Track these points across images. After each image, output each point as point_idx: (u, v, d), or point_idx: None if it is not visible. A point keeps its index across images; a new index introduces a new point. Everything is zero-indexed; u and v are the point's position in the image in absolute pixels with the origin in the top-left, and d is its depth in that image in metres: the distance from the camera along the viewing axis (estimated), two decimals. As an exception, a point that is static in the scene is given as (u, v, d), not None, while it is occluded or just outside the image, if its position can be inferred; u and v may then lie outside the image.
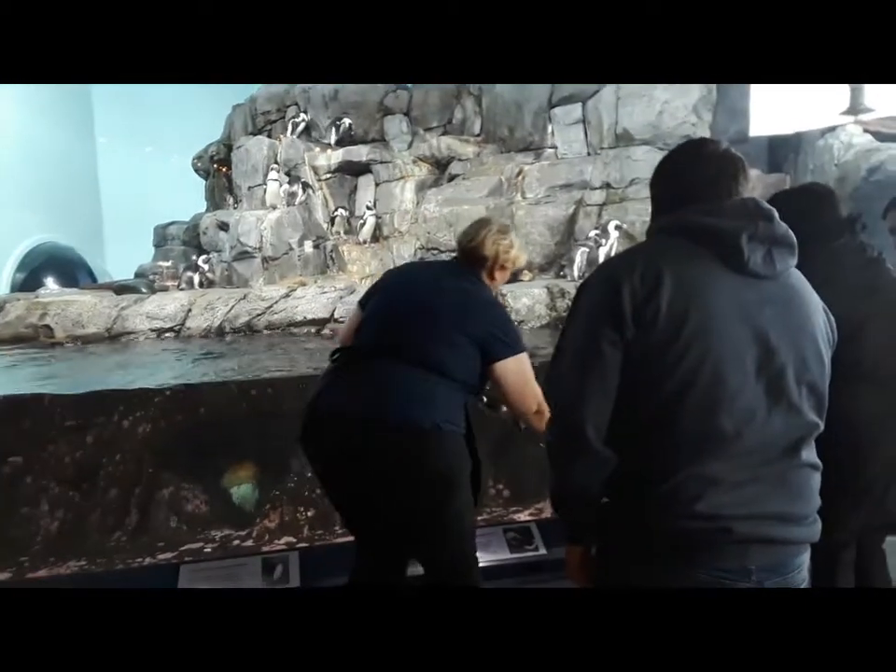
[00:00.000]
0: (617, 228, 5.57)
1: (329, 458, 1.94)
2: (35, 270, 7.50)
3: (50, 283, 6.96)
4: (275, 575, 2.93)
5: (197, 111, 9.00)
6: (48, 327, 4.81)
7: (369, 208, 7.16)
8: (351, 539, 3.68)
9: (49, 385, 3.72)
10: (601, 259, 5.52)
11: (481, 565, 2.50)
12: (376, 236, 7.10)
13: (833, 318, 1.28)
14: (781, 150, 7.18)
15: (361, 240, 6.92)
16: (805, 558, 1.21)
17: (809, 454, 1.20)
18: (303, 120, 7.97)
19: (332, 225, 7.21)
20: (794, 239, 1.22)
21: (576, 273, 5.60)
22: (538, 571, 2.85)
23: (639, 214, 6.05)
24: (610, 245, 5.50)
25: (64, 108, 8.44)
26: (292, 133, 7.94)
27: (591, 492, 1.21)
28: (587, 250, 5.58)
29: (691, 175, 1.28)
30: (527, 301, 4.87)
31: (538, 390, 1.96)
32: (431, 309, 2.00)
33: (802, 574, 1.20)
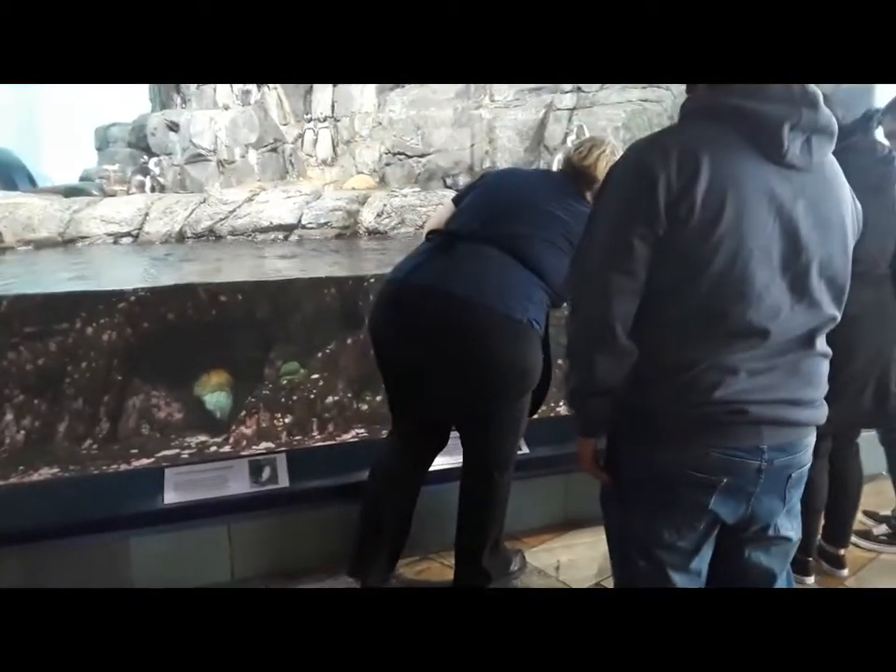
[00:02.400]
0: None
1: (409, 330, 1.94)
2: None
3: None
4: (263, 476, 2.93)
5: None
6: (-6, 230, 4.51)
7: (320, 120, 6.77)
8: (333, 442, 3.59)
9: (3, 288, 3.51)
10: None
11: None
12: (334, 149, 6.78)
13: (859, 207, 1.27)
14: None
15: (319, 159, 6.58)
16: (812, 440, 1.26)
17: (822, 343, 1.22)
18: None
19: (301, 144, 6.85)
20: (836, 127, 1.18)
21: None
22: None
23: (610, 119, 5.96)
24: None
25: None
26: None
27: (612, 386, 1.21)
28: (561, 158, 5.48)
29: None
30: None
31: None
32: (542, 210, 2.01)
33: (807, 455, 1.25)
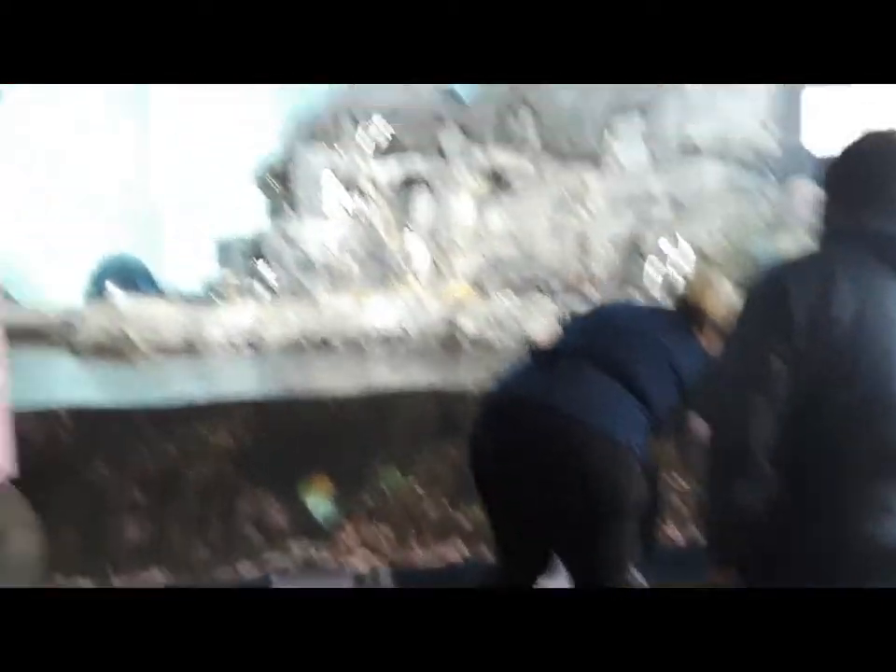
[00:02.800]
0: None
1: (506, 443, 1.95)
2: (101, 279, 7.63)
3: (117, 292, 7.08)
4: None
5: (254, 125, 9.09)
6: (127, 337, 4.88)
7: (417, 237, 7.02)
8: (438, 563, 3.53)
9: (129, 395, 3.76)
10: (678, 277, 5.43)
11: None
12: (434, 262, 7.00)
13: None
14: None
15: (413, 272, 6.82)
16: None
17: None
18: (383, 135, 7.98)
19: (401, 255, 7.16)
20: None
21: (650, 289, 5.51)
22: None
23: (710, 231, 5.95)
24: (686, 261, 5.41)
25: (121, 120, 8.59)
26: (373, 147, 7.96)
27: (752, 512, 1.16)
28: (661, 265, 5.49)
29: (876, 172, 1.20)
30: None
31: None
32: (651, 337, 2.03)
33: None
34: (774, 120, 6.34)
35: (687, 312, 2.16)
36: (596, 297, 5.78)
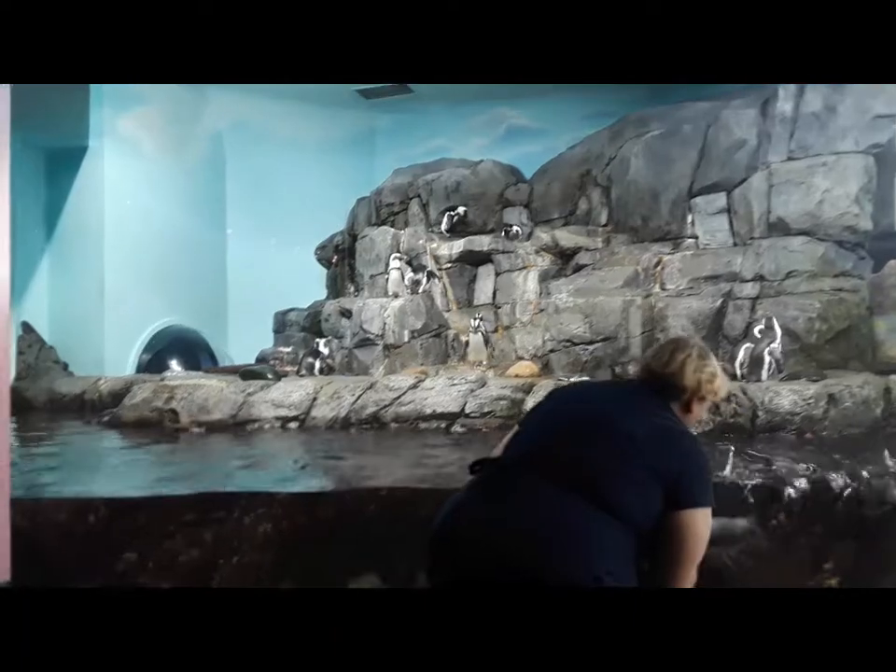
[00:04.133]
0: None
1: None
2: (160, 351, 7.61)
3: (174, 365, 7.00)
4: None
5: (320, 206, 9.26)
6: (173, 411, 4.67)
7: (475, 328, 6.72)
8: None
9: (168, 483, 3.50)
10: (766, 357, 4.93)
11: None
12: (489, 346, 6.69)
13: None
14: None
15: (470, 361, 6.50)
16: None
17: None
18: (458, 214, 7.97)
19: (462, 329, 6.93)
20: None
21: (738, 371, 5.01)
22: None
23: (801, 308, 5.45)
24: (777, 344, 4.92)
25: (200, 202, 8.84)
26: (447, 225, 7.95)
27: None
28: (752, 346, 5.01)
29: None
30: (685, 402, 4.30)
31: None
32: (619, 430, 1.67)
33: None
34: (867, 198, 5.90)
35: (656, 382, 1.80)
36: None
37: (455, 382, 4.87)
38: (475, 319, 6.74)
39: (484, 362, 6.44)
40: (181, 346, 7.73)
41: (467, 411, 4.59)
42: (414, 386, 4.83)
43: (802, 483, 3.06)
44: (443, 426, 4.55)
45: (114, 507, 3.30)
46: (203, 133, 8.79)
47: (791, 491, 3.02)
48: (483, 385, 4.83)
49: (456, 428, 4.52)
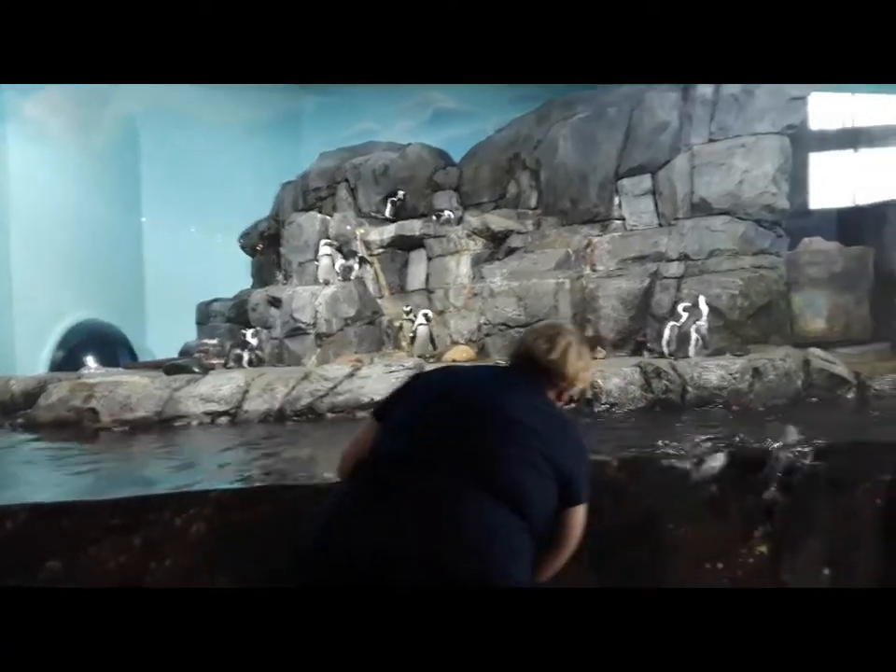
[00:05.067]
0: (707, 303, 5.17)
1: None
2: (74, 348, 7.19)
3: (91, 361, 6.62)
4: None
5: (244, 192, 8.93)
6: (93, 410, 4.40)
7: (424, 319, 6.44)
8: None
9: (88, 482, 3.29)
10: (692, 334, 5.06)
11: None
12: (432, 341, 6.53)
13: None
14: (858, 221, 6.81)
15: (416, 355, 6.27)
16: None
17: None
18: (399, 199, 7.82)
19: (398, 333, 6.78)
20: None
21: (665, 350, 5.13)
22: None
23: (724, 286, 5.64)
24: (703, 321, 5.06)
25: (112, 188, 8.38)
26: (391, 211, 7.78)
27: None
28: (677, 325, 5.13)
29: None
30: (619, 381, 4.38)
31: None
32: (511, 419, 1.53)
33: None
34: (783, 178, 6.14)
35: (537, 369, 1.72)
36: (604, 357, 5.40)
37: (393, 369, 4.79)
38: (421, 313, 6.52)
39: (429, 357, 6.33)
40: (97, 342, 7.33)
41: (404, 398, 4.52)
42: (350, 375, 4.72)
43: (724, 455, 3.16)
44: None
45: (34, 513, 3.08)
46: (115, 116, 8.31)
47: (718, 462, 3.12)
48: (418, 371, 4.77)
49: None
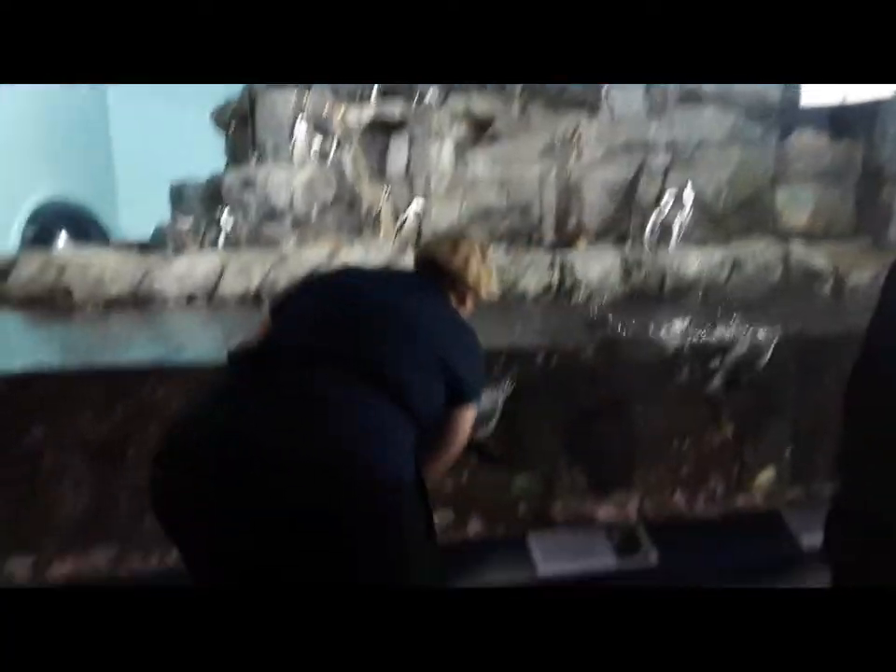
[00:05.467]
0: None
1: (214, 503, 1.30)
2: (45, 227, 6.97)
3: (63, 240, 6.44)
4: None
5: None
6: (66, 288, 4.31)
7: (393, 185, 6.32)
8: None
9: (66, 355, 3.28)
10: (675, 226, 5.03)
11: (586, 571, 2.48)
12: (411, 213, 6.40)
13: None
14: (848, 117, 6.67)
15: (389, 222, 6.12)
16: None
17: None
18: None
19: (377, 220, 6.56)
20: None
21: (648, 240, 5.11)
22: (647, 579, 2.54)
23: (710, 177, 5.55)
24: (686, 212, 5.02)
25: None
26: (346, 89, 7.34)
27: None
28: (662, 215, 5.09)
29: None
30: (599, 270, 4.38)
31: None
32: (403, 320, 1.53)
33: None
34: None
35: (435, 274, 1.73)
36: (587, 249, 5.38)
37: (372, 253, 4.73)
38: (392, 180, 6.38)
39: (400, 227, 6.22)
40: (68, 221, 7.10)
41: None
42: (330, 258, 4.66)
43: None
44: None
45: (11, 382, 3.09)
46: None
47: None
48: (395, 259, 4.72)
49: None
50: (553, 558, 2.61)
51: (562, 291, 4.35)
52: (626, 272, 4.43)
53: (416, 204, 6.28)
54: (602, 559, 2.63)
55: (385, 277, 1.74)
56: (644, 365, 3.61)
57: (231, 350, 1.49)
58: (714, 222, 5.47)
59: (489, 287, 1.82)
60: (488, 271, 1.80)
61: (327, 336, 1.47)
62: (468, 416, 1.63)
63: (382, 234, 6.48)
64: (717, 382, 3.52)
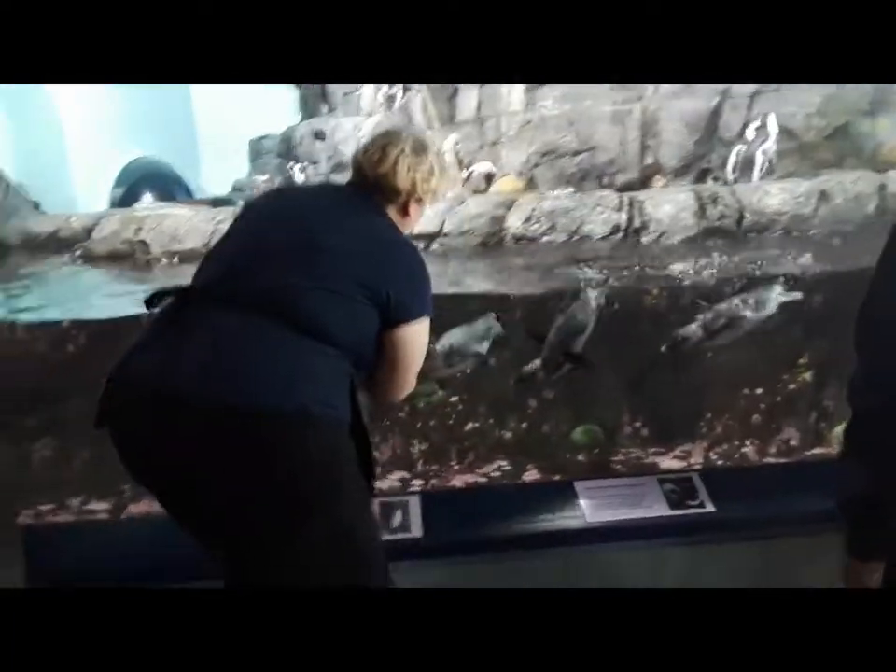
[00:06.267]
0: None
1: (143, 448, 1.40)
2: (132, 186, 7.31)
3: (147, 198, 6.75)
4: (393, 523, 2.57)
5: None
6: (143, 242, 4.53)
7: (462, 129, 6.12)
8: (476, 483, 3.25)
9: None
10: (758, 156, 4.69)
11: (635, 519, 2.40)
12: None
13: None
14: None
15: (457, 166, 5.99)
16: None
17: None
18: None
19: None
20: None
21: (730, 176, 4.79)
22: (703, 531, 2.44)
23: (800, 104, 5.10)
24: (771, 143, 4.65)
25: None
26: None
27: None
28: (744, 147, 4.75)
29: None
30: (670, 208, 4.15)
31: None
32: (318, 246, 1.47)
33: None
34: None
35: (368, 184, 1.60)
36: (664, 186, 5.10)
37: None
38: (460, 124, 6.24)
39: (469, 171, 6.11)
40: (153, 180, 7.44)
41: (445, 230, 4.45)
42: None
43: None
44: (421, 246, 4.43)
45: (93, 332, 3.28)
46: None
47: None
48: (461, 203, 4.64)
49: (434, 248, 4.40)
50: (601, 506, 2.55)
51: (630, 231, 4.16)
52: (701, 208, 4.17)
53: (485, 152, 6.14)
54: (654, 508, 2.55)
55: (312, 198, 1.67)
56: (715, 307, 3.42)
57: (147, 295, 1.52)
58: (802, 154, 5.06)
59: (430, 188, 1.65)
60: (426, 170, 1.63)
61: (236, 273, 1.46)
62: (411, 334, 1.56)
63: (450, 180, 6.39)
64: (795, 325, 3.30)
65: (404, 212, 1.65)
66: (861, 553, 1.05)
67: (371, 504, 1.61)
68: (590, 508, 2.56)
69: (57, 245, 5.97)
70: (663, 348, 3.23)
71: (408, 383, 1.64)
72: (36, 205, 7.11)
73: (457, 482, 3.40)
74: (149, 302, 1.49)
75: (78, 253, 4.84)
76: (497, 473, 3.48)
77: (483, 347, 2.96)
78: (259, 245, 1.52)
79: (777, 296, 2.79)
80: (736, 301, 2.80)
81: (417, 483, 3.39)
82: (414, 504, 2.62)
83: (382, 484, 3.29)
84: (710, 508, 2.51)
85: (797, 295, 2.81)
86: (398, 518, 2.55)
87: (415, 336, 1.58)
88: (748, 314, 2.74)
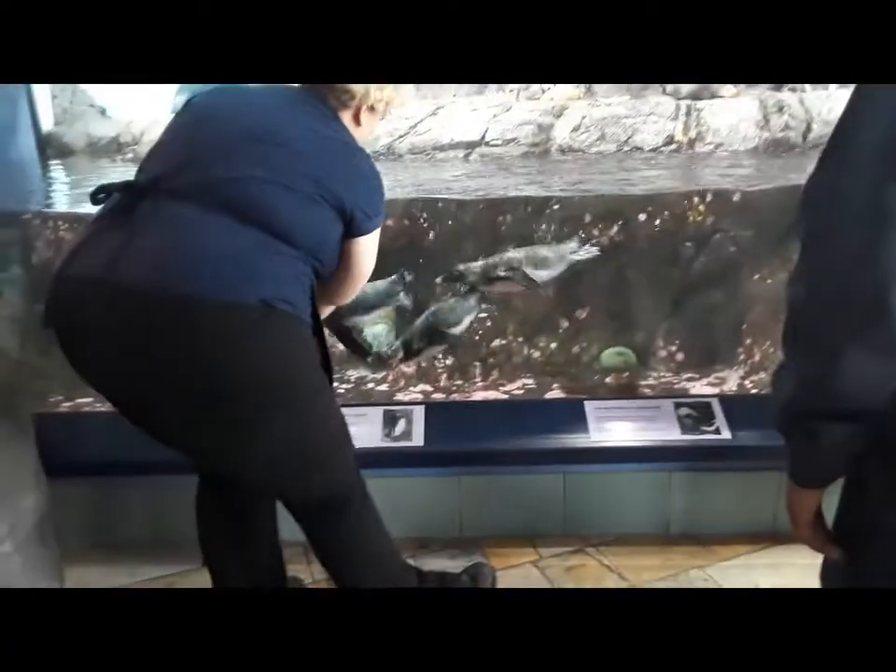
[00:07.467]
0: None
1: (94, 345, 1.38)
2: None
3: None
4: (396, 431, 2.61)
5: None
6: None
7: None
8: (484, 399, 3.24)
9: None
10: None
11: (644, 441, 2.36)
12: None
13: None
14: None
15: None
16: None
17: None
18: None
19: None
20: None
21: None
22: (717, 457, 2.39)
23: None
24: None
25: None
26: None
27: (864, 404, 0.82)
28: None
29: None
30: (729, 118, 3.82)
31: None
32: (273, 141, 1.43)
33: None
34: None
35: (324, 94, 1.55)
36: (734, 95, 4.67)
37: (477, 107, 4.47)
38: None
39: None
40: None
41: (487, 138, 4.27)
42: (433, 113, 4.47)
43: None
44: (461, 155, 4.28)
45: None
46: None
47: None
48: (507, 110, 4.42)
49: (474, 156, 4.25)
50: (609, 426, 2.51)
51: (684, 143, 3.87)
52: (765, 118, 3.82)
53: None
54: (665, 431, 2.48)
55: (267, 99, 1.62)
56: (761, 226, 3.20)
57: (96, 188, 1.49)
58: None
59: (382, 96, 1.62)
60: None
61: (183, 166, 1.44)
62: (370, 245, 1.57)
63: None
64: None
65: (356, 120, 1.62)
66: (797, 476, 0.99)
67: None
68: (596, 427, 2.51)
69: (118, 148, 6.15)
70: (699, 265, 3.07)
71: (356, 290, 1.67)
72: (102, 111, 7.27)
73: (478, 398, 3.39)
74: (94, 197, 1.48)
75: (129, 156, 4.95)
76: (521, 391, 3.44)
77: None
78: (209, 138, 1.49)
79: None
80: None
81: (438, 398, 3.41)
82: (419, 414, 2.64)
83: (404, 397, 3.32)
84: (726, 434, 2.43)
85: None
86: (400, 426, 2.58)
87: (372, 246, 1.59)
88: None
